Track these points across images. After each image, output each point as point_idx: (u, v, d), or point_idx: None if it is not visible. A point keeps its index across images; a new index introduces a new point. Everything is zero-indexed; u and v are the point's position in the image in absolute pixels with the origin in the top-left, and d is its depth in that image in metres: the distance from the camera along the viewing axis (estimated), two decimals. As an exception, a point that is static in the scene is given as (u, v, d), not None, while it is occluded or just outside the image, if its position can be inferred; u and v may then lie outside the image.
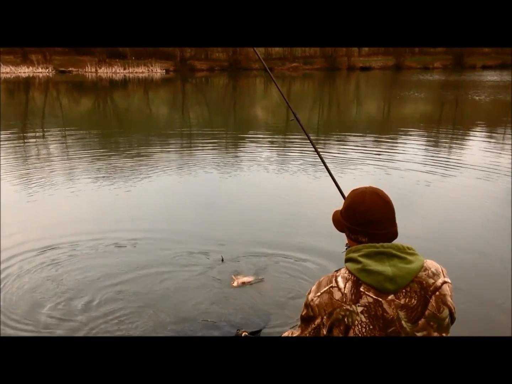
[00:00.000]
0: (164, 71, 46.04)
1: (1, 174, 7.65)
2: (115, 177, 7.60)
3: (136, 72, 44.38)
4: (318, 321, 1.64)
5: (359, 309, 1.55)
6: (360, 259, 1.58)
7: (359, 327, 1.56)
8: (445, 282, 1.59)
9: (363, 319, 1.55)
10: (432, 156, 9.31)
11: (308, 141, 3.11)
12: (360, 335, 1.57)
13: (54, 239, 4.97)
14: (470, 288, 4.02)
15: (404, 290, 1.55)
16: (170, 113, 19.68)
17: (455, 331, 1.65)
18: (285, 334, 1.94)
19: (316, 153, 3.15)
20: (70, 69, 45.14)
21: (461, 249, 4.88)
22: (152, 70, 45.39)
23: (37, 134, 12.77)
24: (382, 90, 30.02)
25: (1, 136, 11.62)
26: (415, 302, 1.55)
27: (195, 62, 51.75)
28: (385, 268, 1.54)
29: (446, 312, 1.57)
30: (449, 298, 1.58)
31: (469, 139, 11.70)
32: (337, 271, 1.67)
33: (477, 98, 21.13)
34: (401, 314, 1.54)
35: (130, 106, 21.85)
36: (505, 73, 38.94)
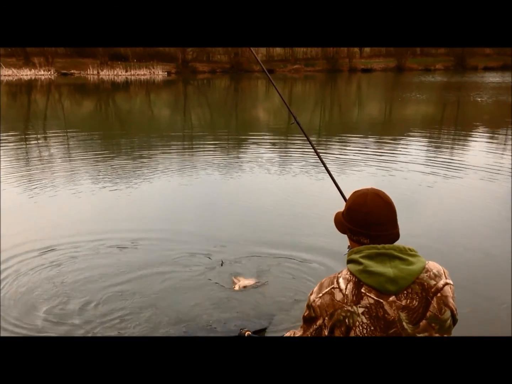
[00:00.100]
0: (166, 73, 46.10)
1: (3, 176, 7.66)
2: (117, 179, 7.61)
3: (138, 75, 44.44)
4: (319, 322, 1.65)
5: (360, 310, 1.56)
6: (362, 260, 1.59)
7: (360, 328, 1.56)
8: (446, 284, 1.59)
9: (364, 320, 1.55)
10: (435, 158, 9.30)
11: (316, 141, 3.11)
12: (361, 336, 1.57)
13: (55, 240, 4.98)
14: (471, 288, 4.02)
15: (405, 292, 1.55)
16: (172, 115, 19.70)
17: (455, 331, 1.65)
18: (287, 334, 1.95)
19: (317, 156, 3.15)
20: (72, 71, 45.22)
21: (464, 250, 4.87)
22: (154, 72, 45.44)
23: (39, 136, 12.79)
24: (384, 92, 30.01)
25: (4, 138, 11.65)
26: (416, 303, 1.55)
27: (197, 64, 51.79)
28: (387, 269, 1.55)
29: (447, 313, 1.57)
30: (450, 300, 1.58)
31: (472, 140, 11.69)
32: (339, 272, 1.68)
33: (479, 99, 21.11)
34: (402, 315, 1.54)
35: (132, 108, 21.88)
36: (506, 74, 38.88)
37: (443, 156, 9.49)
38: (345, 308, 1.57)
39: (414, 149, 10.28)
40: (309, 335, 1.72)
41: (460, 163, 8.70)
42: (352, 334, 1.57)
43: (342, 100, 25.68)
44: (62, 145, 11.30)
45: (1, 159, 8.92)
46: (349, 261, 1.64)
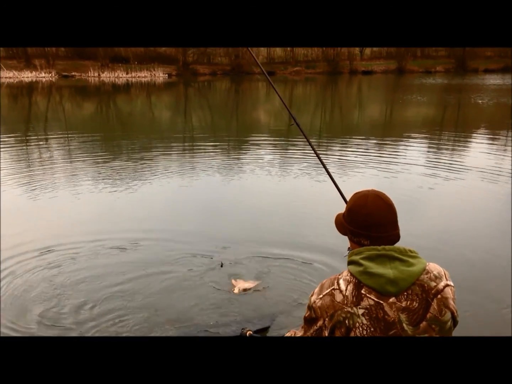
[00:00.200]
0: (166, 75, 46.15)
1: (4, 177, 7.66)
2: (118, 181, 7.61)
3: (138, 77, 44.49)
4: (320, 323, 1.66)
5: (360, 311, 1.56)
6: (362, 261, 1.59)
7: (360, 329, 1.56)
8: (447, 285, 1.59)
9: (364, 322, 1.56)
10: (436, 159, 9.30)
11: (317, 143, 3.12)
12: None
13: (55, 241, 4.98)
14: (472, 289, 4.02)
15: (405, 293, 1.55)
16: (173, 117, 19.72)
17: (455, 331, 1.65)
18: (288, 334, 1.96)
19: (317, 157, 3.15)
20: (73, 73, 45.28)
21: (464, 251, 4.87)
22: (154, 75, 45.50)
23: (40, 138, 12.80)
24: (385, 94, 30.03)
25: (5, 140, 11.66)
26: (417, 305, 1.55)
27: (198, 66, 51.88)
28: (387, 270, 1.55)
29: (448, 315, 1.57)
30: (451, 301, 1.58)
31: (472, 142, 11.70)
32: (339, 273, 1.68)
33: (480, 101, 21.11)
34: (402, 316, 1.54)
35: (132, 110, 21.90)
36: (507, 76, 38.89)
37: (444, 158, 9.49)
38: (345, 309, 1.57)
39: (415, 151, 10.28)
40: (310, 336, 1.72)
41: (461, 164, 8.70)
42: (352, 335, 1.57)
43: (343, 102, 25.69)
44: (62, 146, 11.31)
45: (2, 161, 8.93)
46: (350, 263, 1.65)
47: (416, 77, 43.44)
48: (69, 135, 13.25)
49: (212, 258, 4.67)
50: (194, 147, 11.50)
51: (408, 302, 1.55)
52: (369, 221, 1.64)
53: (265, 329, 3.50)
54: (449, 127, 15.05)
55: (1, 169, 8.25)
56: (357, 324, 1.56)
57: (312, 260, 4.58)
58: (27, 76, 42.38)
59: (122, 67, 46.03)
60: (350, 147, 10.86)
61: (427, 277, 1.57)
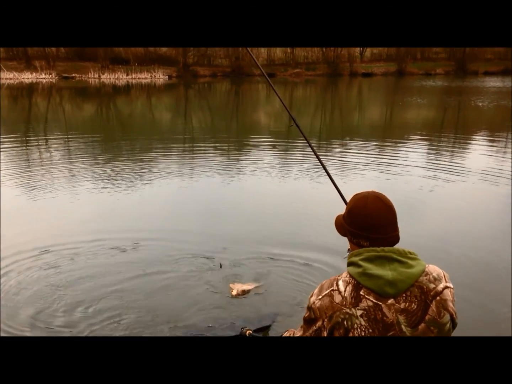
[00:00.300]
0: (167, 77, 46.17)
1: (5, 178, 7.66)
2: (118, 182, 7.61)
3: (139, 78, 44.51)
4: (319, 323, 1.66)
5: (359, 312, 1.56)
6: (361, 263, 1.59)
7: (359, 330, 1.56)
8: (446, 287, 1.59)
9: (363, 323, 1.56)
10: (436, 161, 9.31)
11: (317, 145, 3.12)
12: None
13: (54, 242, 4.98)
14: (472, 290, 4.03)
15: (404, 295, 1.55)
16: (173, 118, 19.72)
17: (454, 331, 1.65)
18: (286, 334, 1.96)
19: (316, 158, 3.15)
20: (73, 75, 45.30)
21: (465, 253, 4.87)
22: (155, 76, 45.52)
23: (40, 139, 12.80)
24: (385, 96, 30.04)
25: (5, 140, 11.66)
26: (415, 306, 1.55)
27: (198, 68, 51.91)
28: (386, 272, 1.55)
29: (447, 317, 1.57)
30: (450, 304, 1.58)
31: (473, 144, 11.70)
32: (339, 275, 1.69)
33: (480, 104, 21.12)
34: (401, 318, 1.55)
35: (133, 112, 21.91)
36: (507, 79, 38.93)
37: (445, 160, 9.50)
38: (344, 311, 1.58)
39: (416, 152, 10.28)
40: (308, 336, 1.72)
41: (462, 166, 8.70)
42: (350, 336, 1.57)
43: (343, 104, 25.70)
44: (62, 147, 11.32)
45: (2, 162, 8.93)
46: (349, 264, 1.66)
47: (416, 79, 43.46)
48: (69, 136, 13.25)
49: (211, 259, 4.66)
50: (194, 148, 11.50)
51: (407, 303, 1.55)
52: (368, 222, 1.64)
53: (265, 329, 3.49)
54: (449, 129, 15.05)
55: (2, 169, 8.25)
56: (356, 325, 1.56)
57: (312, 261, 4.57)
58: (27, 77, 42.40)
59: (123, 68, 46.05)
60: (350, 149, 10.86)
61: (426, 279, 1.57)
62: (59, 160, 9.73)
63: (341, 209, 1.83)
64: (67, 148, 11.28)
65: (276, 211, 6.24)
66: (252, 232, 5.43)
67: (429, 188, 7.20)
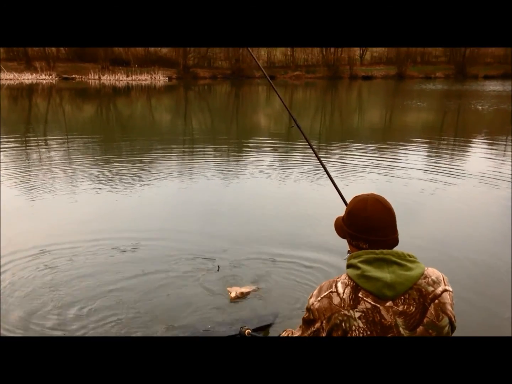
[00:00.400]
0: (167, 78, 46.27)
1: (4, 178, 7.66)
2: (117, 183, 7.61)
3: (139, 80, 44.59)
4: (317, 324, 1.66)
5: (357, 314, 1.56)
6: (360, 265, 1.60)
7: (357, 332, 1.56)
8: (445, 290, 1.59)
9: (361, 325, 1.56)
10: (436, 164, 9.31)
11: (317, 147, 3.12)
12: (358, 340, 1.57)
13: (54, 242, 4.97)
14: (472, 292, 4.04)
15: (402, 297, 1.55)
16: (173, 120, 19.74)
17: (454, 332, 1.65)
18: (284, 334, 1.97)
19: (317, 159, 3.15)
20: (73, 76, 45.38)
21: (465, 256, 4.87)
22: (155, 78, 45.62)
23: (40, 139, 12.80)
24: (385, 99, 30.10)
25: (5, 141, 11.67)
26: (414, 309, 1.55)
27: (198, 70, 52.03)
28: (384, 274, 1.55)
29: (445, 320, 1.57)
30: (449, 307, 1.58)
31: (473, 148, 11.72)
32: (338, 276, 1.69)
33: (480, 107, 21.17)
34: (399, 321, 1.54)
35: (132, 113, 21.93)
36: (507, 83, 39.01)
37: (445, 163, 9.50)
38: (342, 312, 1.58)
39: (415, 155, 10.30)
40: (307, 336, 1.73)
41: (462, 170, 8.71)
42: (349, 338, 1.57)
43: (343, 107, 25.74)
44: (62, 148, 11.32)
45: (2, 162, 8.93)
46: (348, 266, 1.66)
47: (416, 83, 43.57)
48: (68, 137, 13.25)
49: (211, 260, 4.65)
50: (194, 150, 11.51)
51: (405, 306, 1.55)
52: (368, 224, 1.64)
53: (265, 327, 3.49)
54: (449, 132, 15.08)
55: (1, 169, 8.24)
56: (354, 327, 1.56)
57: (312, 262, 4.57)
58: (28, 78, 42.48)
59: (123, 69, 46.15)
60: (350, 151, 10.87)
61: (425, 281, 1.57)
62: (58, 160, 9.73)
63: (341, 210, 1.83)
64: (66, 148, 11.29)
65: (276, 213, 6.24)
66: (252, 233, 5.42)
67: (429, 191, 7.20)
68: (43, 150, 11.17)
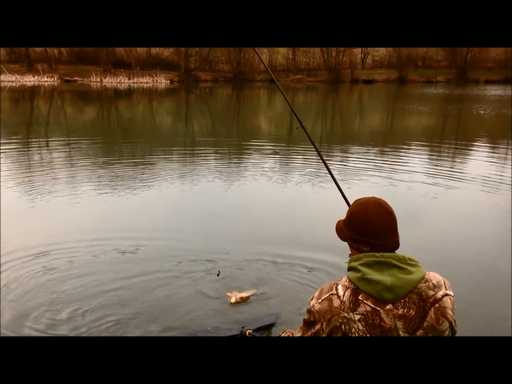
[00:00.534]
0: (168, 81, 46.34)
1: (5, 180, 7.67)
2: (118, 186, 7.61)
3: (140, 82, 44.67)
4: (318, 326, 1.67)
5: (357, 317, 1.56)
6: (360, 268, 1.60)
7: (356, 335, 1.57)
8: (446, 295, 1.59)
9: (360, 327, 1.56)
10: (438, 168, 9.30)
11: (313, 150, 3.13)
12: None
13: (54, 244, 4.97)
14: (472, 289, 4.07)
15: (402, 300, 1.55)
16: (174, 123, 19.75)
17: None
18: (284, 334, 1.98)
19: (321, 160, 3.16)
20: (75, 78, 45.48)
21: (468, 258, 4.88)
22: (156, 81, 45.70)
23: (41, 142, 12.81)
24: (386, 103, 30.11)
25: (6, 143, 11.68)
26: (414, 313, 1.55)
27: (200, 73, 52.13)
28: (384, 277, 1.55)
29: (445, 325, 1.57)
30: (449, 311, 1.58)
31: (474, 152, 11.70)
32: (339, 279, 1.70)
33: (481, 112, 21.17)
34: (399, 324, 1.55)
35: (134, 116, 21.95)
36: (508, 87, 39.02)
37: (447, 167, 9.50)
38: (342, 315, 1.58)
39: (417, 159, 10.30)
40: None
41: (463, 174, 8.71)
42: (348, 340, 1.58)
43: (344, 111, 25.75)
44: (63, 151, 11.32)
45: (3, 164, 8.94)
46: (349, 269, 1.67)
47: (417, 87, 43.58)
48: (70, 140, 13.26)
49: (212, 262, 4.64)
50: (195, 152, 11.51)
51: (405, 309, 1.55)
52: (368, 227, 1.65)
53: (265, 328, 3.48)
54: (451, 136, 15.08)
55: (2, 172, 8.25)
56: (353, 330, 1.56)
57: (314, 264, 4.56)
58: (30, 80, 42.57)
59: (124, 72, 46.23)
60: (351, 155, 10.87)
61: (425, 285, 1.57)
62: (60, 162, 9.74)
63: (343, 213, 1.83)
64: (68, 151, 11.29)
65: (277, 215, 6.24)
66: (253, 236, 5.42)
67: (431, 195, 7.20)
68: (45, 152, 11.18)
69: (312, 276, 4.37)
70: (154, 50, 52.39)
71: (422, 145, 12.66)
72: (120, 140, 13.78)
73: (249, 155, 10.94)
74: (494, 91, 37.32)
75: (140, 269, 4.47)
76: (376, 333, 1.55)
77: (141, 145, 12.56)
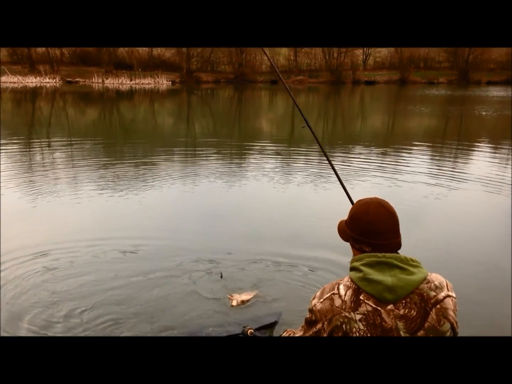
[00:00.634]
0: (170, 82, 46.40)
1: (7, 181, 7.68)
2: (120, 186, 7.61)
3: (142, 83, 44.74)
4: (319, 326, 1.67)
5: (358, 317, 1.57)
6: (362, 268, 1.61)
7: (357, 335, 1.57)
8: (448, 296, 1.59)
9: (361, 327, 1.56)
10: (440, 169, 9.30)
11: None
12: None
13: (54, 245, 4.97)
14: (473, 289, 4.08)
15: (404, 301, 1.55)
16: (176, 124, 19.76)
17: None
18: (285, 334, 1.99)
19: (326, 160, 3.16)
20: (77, 79, 45.58)
21: (470, 258, 4.89)
22: (158, 82, 45.77)
23: (43, 143, 12.83)
24: (388, 104, 30.11)
25: (8, 144, 11.70)
26: (415, 313, 1.55)
27: (201, 74, 52.21)
28: (385, 278, 1.56)
29: (446, 326, 1.57)
30: (451, 312, 1.58)
31: (477, 153, 11.69)
32: (341, 279, 1.70)
33: (484, 113, 21.16)
34: (400, 324, 1.55)
35: (136, 117, 21.97)
36: (510, 88, 39.00)
37: (449, 168, 9.49)
38: (343, 314, 1.59)
39: (419, 160, 10.29)
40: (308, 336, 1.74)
41: (466, 175, 8.70)
42: (349, 340, 1.58)
43: (346, 112, 25.75)
44: (65, 151, 11.33)
45: (5, 165, 8.95)
46: (351, 269, 1.67)
47: (419, 88, 43.58)
48: (72, 141, 13.28)
49: (213, 263, 4.64)
50: (196, 153, 11.52)
51: (406, 310, 1.55)
52: (370, 228, 1.66)
53: (267, 327, 3.47)
54: (453, 137, 15.07)
55: (4, 172, 8.27)
56: (354, 330, 1.57)
57: (316, 265, 4.56)
58: (32, 81, 42.66)
59: (126, 73, 46.31)
60: (353, 156, 10.87)
61: (427, 286, 1.57)
62: (61, 163, 9.75)
63: (345, 213, 1.83)
64: (70, 152, 11.30)
65: (279, 215, 6.23)
66: (255, 236, 5.42)
67: (433, 195, 7.19)
68: (46, 153, 11.19)
69: (314, 276, 4.37)
70: (156, 51, 52.52)
71: (424, 146, 12.66)
72: (121, 141, 13.80)
73: (251, 156, 10.94)
74: (496, 92, 37.30)
75: (142, 270, 4.47)
76: (377, 333, 1.55)
77: (143, 146, 12.58)
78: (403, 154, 11.35)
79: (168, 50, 52.36)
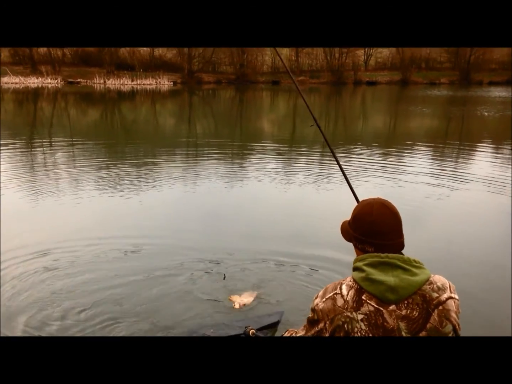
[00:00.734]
0: (171, 83, 46.48)
1: (9, 181, 7.68)
2: (121, 187, 7.62)
3: (144, 84, 44.83)
4: (321, 325, 1.68)
5: (360, 316, 1.57)
6: (364, 268, 1.61)
7: (359, 334, 1.58)
8: (450, 298, 1.59)
9: (363, 327, 1.56)
10: (442, 170, 9.29)
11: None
12: (359, 343, 1.57)
13: (55, 245, 4.97)
14: (477, 290, 4.09)
15: (406, 302, 1.56)
16: (177, 124, 19.79)
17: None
18: (287, 334, 1.99)
19: (333, 157, 3.17)
20: (78, 80, 45.67)
21: (471, 258, 4.89)
22: (159, 82, 45.85)
23: (44, 143, 12.86)
24: (390, 105, 30.12)
25: (9, 144, 11.71)
26: (417, 314, 1.55)
27: (203, 74, 52.29)
28: (388, 278, 1.56)
29: (449, 327, 1.57)
30: (453, 314, 1.58)
31: (479, 153, 11.68)
32: (344, 279, 1.70)
33: (486, 113, 21.15)
34: (402, 325, 1.55)
35: (137, 118, 22.00)
36: (511, 89, 38.99)
37: (451, 169, 9.49)
38: (345, 314, 1.59)
39: (422, 161, 10.30)
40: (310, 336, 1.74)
41: (468, 175, 8.69)
42: (351, 340, 1.58)
43: (348, 112, 25.77)
44: (67, 152, 11.35)
45: (7, 165, 8.96)
46: (354, 269, 1.68)
47: (420, 89, 43.59)
48: (73, 141, 13.29)
49: (215, 263, 4.64)
50: (198, 154, 11.53)
51: (408, 310, 1.55)
52: (373, 228, 1.66)
53: (269, 327, 3.47)
54: (454, 138, 15.07)
55: (5, 172, 8.28)
56: (356, 329, 1.57)
57: (319, 265, 4.55)
58: (33, 82, 42.76)
59: (128, 74, 46.41)
60: (355, 156, 10.85)
61: (429, 287, 1.57)
62: (63, 164, 9.77)
63: (348, 214, 1.83)
64: (71, 152, 11.32)
65: (280, 216, 6.23)
66: (257, 236, 5.41)
67: (435, 196, 7.19)
68: (48, 153, 11.21)
69: (316, 276, 4.37)
70: (157, 52, 52.61)
71: (426, 147, 12.65)
72: (123, 141, 13.82)
73: (252, 156, 10.95)
74: (498, 92, 37.29)
75: (143, 270, 4.47)
76: (378, 333, 1.55)
77: (144, 146, 12.59)
78: (405, 155, 11.35)
79: (170, 51, 52.43)
